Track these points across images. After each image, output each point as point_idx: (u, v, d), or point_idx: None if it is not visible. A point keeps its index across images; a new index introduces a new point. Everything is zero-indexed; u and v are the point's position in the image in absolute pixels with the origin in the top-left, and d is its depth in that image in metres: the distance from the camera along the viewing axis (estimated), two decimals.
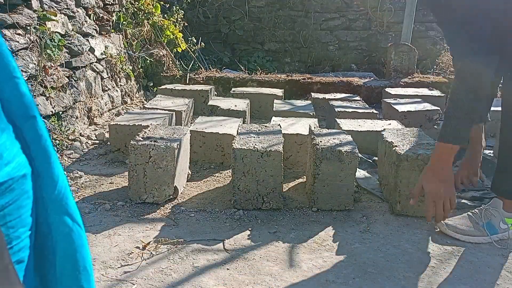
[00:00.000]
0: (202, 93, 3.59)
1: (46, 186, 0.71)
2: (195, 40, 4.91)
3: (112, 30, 3.74)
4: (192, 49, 4.76)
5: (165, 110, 2.88)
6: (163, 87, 3.68)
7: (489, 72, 1.56)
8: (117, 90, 3.65)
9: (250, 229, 1.76)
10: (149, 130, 2.10)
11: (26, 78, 2.45)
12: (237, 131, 2.18)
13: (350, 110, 3.00)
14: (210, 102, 3.18)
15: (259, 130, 2.17)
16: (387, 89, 3.68)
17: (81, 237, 0.77)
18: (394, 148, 1.90)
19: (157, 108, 2.92)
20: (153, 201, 1.94)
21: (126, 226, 1.76)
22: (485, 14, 1.54)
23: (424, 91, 3.61)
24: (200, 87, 3.71)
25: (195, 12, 5.61)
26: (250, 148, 1.87)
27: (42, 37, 2.62)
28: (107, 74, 3.50)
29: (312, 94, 3.76)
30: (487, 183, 2.08)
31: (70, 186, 2.13)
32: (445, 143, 1.61)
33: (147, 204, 1.94)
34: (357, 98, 3.54)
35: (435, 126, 2.94)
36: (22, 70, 2.41)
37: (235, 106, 3.07)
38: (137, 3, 4.10)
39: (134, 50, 4.04)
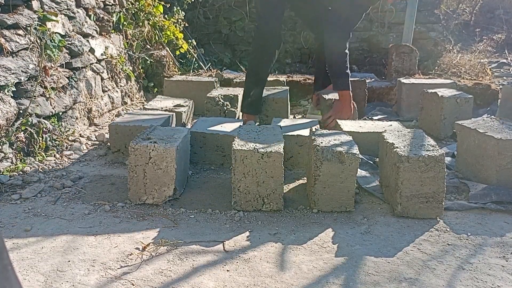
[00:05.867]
0: (208, 84, 3.64)
1: None
2: (195, 43, 4.91)
3: (113, 31, 3.74)
4: (193, 52, 4.77)
5: (165, 111, 2.88)
6: (169, 79, 3.76)
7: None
8: (117, 91, 3.64)
9: (250, 230, 1.75)
10: (149, 131, 2.09)
11: (26, 78, 2.45)
12: (238, 132, 2.17)
13: None
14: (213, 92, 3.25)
15: (259, 131, 2.16)
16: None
17: None
18: (395, 149, 1.90)
19: (157, 109, 2.92)
20: (153, 202, 1.94)
21: (125, 227, 1.76)
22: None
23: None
24: (205, 79, 3.79)
25: (196, 13, 5.59)
26: (250, 149, 1.87)
27: (42, 37, 2.62)
28: (107, 75, 3.50)
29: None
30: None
31: (70, 187, 2.12)
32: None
33: (147, 205, 1.94)
34: None
35: None
36: (22, 71, 2.41)
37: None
38: (137, 3, 4.09)
39: (134, 51, 4.03)
